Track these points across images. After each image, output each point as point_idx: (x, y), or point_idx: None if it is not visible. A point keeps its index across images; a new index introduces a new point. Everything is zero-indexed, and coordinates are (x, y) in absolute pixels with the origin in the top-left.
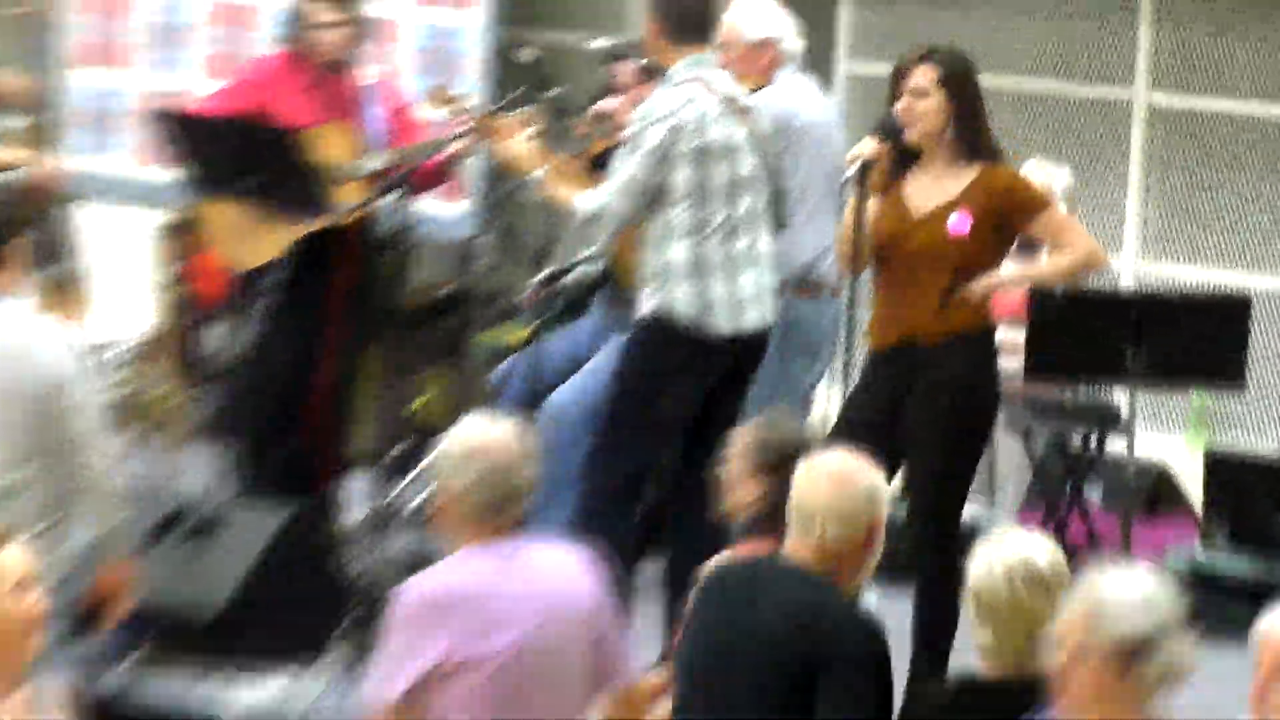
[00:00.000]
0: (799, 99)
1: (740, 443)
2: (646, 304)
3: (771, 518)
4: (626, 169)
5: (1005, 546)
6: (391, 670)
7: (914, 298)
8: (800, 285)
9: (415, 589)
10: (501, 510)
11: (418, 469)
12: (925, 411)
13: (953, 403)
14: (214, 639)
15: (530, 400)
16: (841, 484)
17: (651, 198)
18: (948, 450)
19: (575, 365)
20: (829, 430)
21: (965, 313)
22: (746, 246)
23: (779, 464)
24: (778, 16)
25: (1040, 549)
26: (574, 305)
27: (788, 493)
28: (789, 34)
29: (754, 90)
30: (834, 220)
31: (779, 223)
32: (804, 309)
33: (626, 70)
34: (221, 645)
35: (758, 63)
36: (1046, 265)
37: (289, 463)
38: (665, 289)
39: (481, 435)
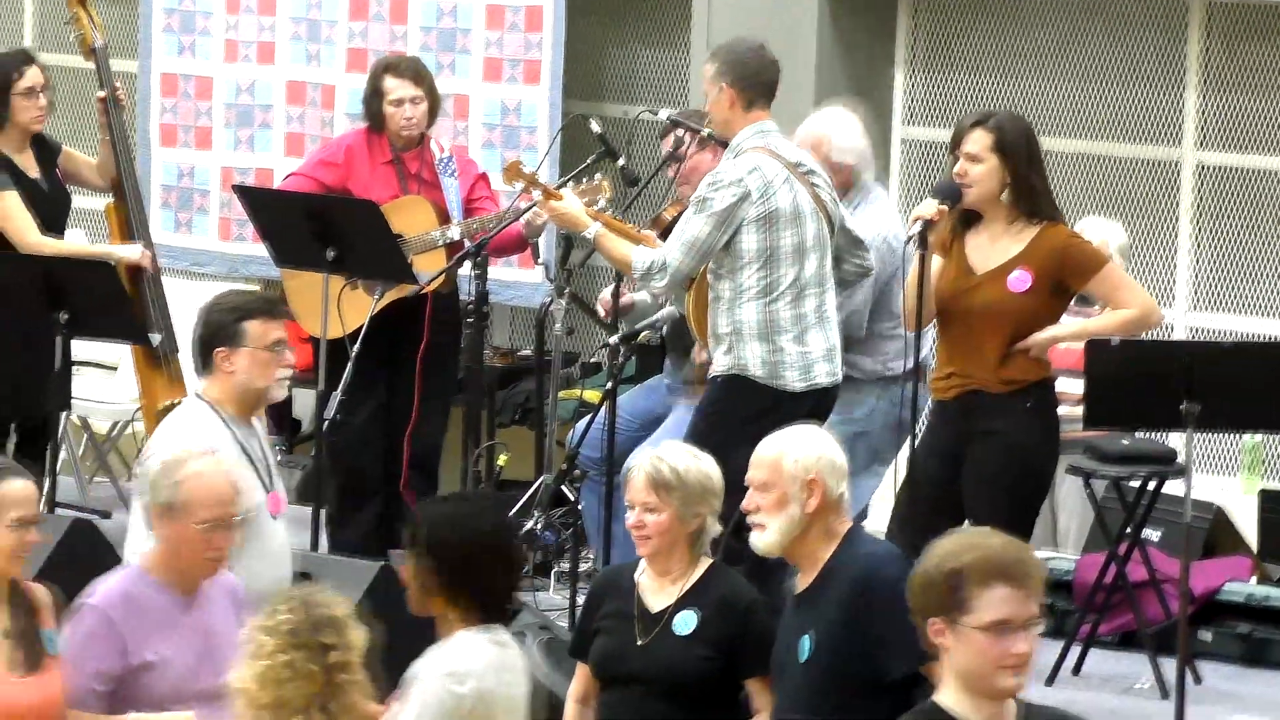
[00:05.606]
0: (896, 225)
1: None
2: (719, 363)
3: None
4: (691, 228)
5: None
6: None
7: (974, 352)
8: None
9: None
10: None
11: None
12: (982, 473)
13: (1008, 466)
14: None
15: (607, 458)
16: None
17: (710, 257)
18: (1004, 512)
19: (649, 423)
20: (901, 479)
21: (1024, 365)
22: (815, 307)
23: None
24: (865, 145)
25: None
26: (647, 365)
27: None
28: (869, 165)
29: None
30: None
31: (842, 283)
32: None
33: (690, 139)
34: None
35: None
36: (1104, 320)
37: (377, 521)
38: (738, 349)
39: None
